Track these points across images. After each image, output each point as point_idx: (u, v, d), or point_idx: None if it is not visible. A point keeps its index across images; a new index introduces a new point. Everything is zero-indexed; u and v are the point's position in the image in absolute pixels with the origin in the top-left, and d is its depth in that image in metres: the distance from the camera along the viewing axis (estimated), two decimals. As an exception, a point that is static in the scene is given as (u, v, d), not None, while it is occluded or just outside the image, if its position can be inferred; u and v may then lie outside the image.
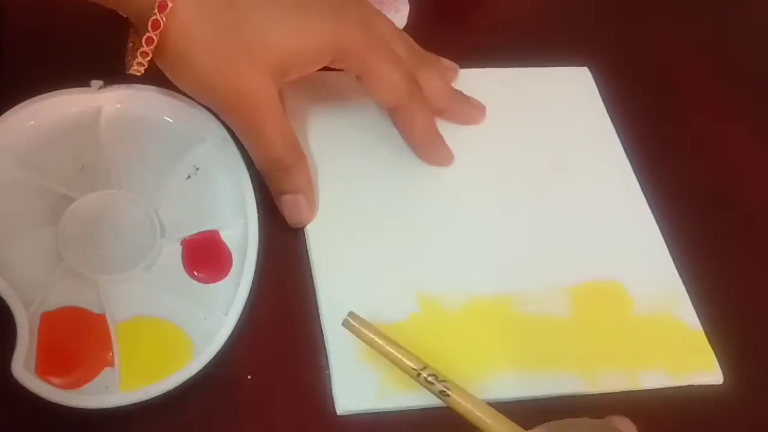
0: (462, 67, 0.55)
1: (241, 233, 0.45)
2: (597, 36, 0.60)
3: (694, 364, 0.47)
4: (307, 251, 0.47)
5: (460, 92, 0.53)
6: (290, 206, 0.47)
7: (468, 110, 0.53)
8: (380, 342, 0.39)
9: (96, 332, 0.41)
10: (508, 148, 0.53)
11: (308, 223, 0.47)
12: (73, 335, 0.41)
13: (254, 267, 0.44)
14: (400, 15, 0.55)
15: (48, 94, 0.47)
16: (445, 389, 0.39)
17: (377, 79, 0.47)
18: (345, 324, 0.40)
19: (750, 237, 0.53)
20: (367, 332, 0.39)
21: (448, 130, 0.52)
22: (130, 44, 0.44)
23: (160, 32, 0.41)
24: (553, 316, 0.46)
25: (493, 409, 0.38)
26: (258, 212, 0.45)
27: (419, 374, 0.39)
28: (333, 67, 0.46)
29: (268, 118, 0.44)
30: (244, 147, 0.47)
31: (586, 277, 0.48)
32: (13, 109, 0.46)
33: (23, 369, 0.38)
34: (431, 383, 0.39)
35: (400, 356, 0.39)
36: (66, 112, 0.47)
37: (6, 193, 0.44)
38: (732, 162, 0.56)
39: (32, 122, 0.46)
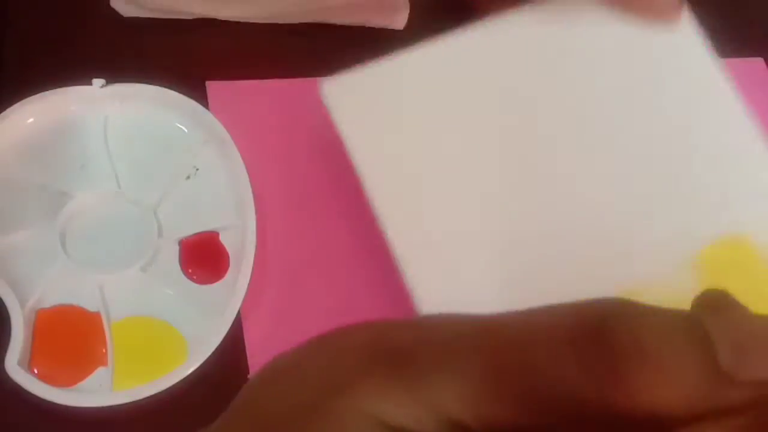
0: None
1: (239, 235, 0.45)
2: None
3: None
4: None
5: None
6: None
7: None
8: None
9: (91, 331, 0.41)
10: (608, 106, 0.46)
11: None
12: (67, 333, 0.41)
13: (251, 269, 0.44)
14: (400, 15, 0.55)
15: (49, 91, 0.47)
16: None
17: None
18: None
19: None
20: None
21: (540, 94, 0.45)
22: None
23: None
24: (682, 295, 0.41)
25: None
26: (256, 214, 0.45)
27: None
28: None
29: None
30: (243, 148, 0.47)
31: (708, 239, 0.42)
32: (14, 106, 0.46)
33: (17, 366, 0.39)
34: None
35: None
36: (67, 110, 0.47)
37: (5, 190, 0.44)
38: None
39: (32, 119, 0.46)
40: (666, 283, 0.40)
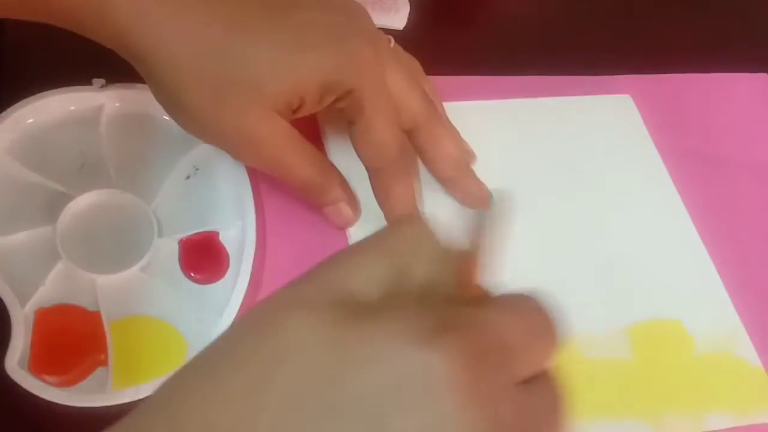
0: (461, 70, 0.54)
1: (239, 234, 0.45)
2: (598, 35, 0.60)
3: (759, 403, 0.46)
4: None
5: (470, 168, 0.49)
6: (334, 215, 0.46)
7: (473, 189, 0.48)
8: None
9: (90, 331, 0.41)
10: (554, 184, 0.51)
11: (354, 225, 0.47)
12: (67, 333, 0.41)
13: (251, 269, 0.44)
14: (400, 15, 0.55)
15: (49, 91, 0.47)
16: None
17: (365, 133, 0.43)
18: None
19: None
20: None
21: (487, 162, 0.49)
22: None
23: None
24: (615, 359, 0.45)
25: None
26: (256, 214, 0.45)
27: None
28: (336, 106, 0.43)
29: (283, 151, 0.43)
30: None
31: (644, 316, 0.47)
32: (13, 106, 0.46)
33: (17, 366, 0.39)
34: None
35: None
36: (66, 110, 0.47)
37: (5, 190, 0.44)
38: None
39: (32, 119, 0.46)
40: (600, 341, 0.46)
